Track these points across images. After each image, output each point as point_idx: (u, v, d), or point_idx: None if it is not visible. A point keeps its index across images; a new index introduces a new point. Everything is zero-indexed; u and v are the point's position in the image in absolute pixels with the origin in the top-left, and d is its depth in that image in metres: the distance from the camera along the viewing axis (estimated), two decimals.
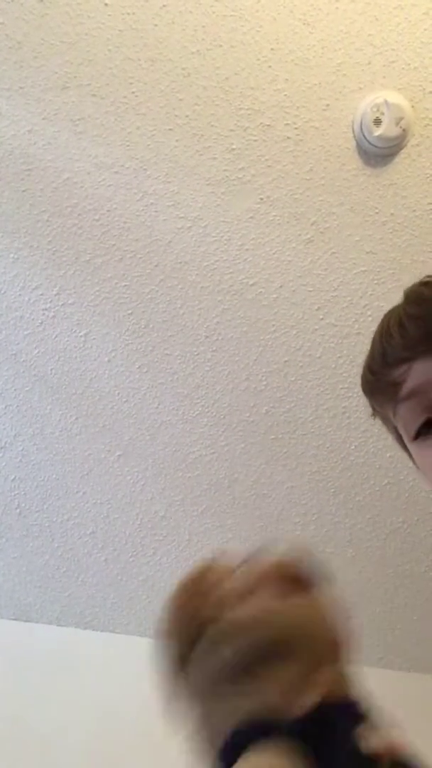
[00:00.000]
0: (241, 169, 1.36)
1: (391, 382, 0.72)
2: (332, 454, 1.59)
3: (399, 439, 0.77)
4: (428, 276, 0.75)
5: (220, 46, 1.28)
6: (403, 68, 1.32)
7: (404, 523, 1.66)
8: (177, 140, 1.33)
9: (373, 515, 1.66)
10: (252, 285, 1.44)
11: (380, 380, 0.74)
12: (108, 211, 1.37)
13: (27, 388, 1.50)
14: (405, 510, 1.65)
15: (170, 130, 1.33)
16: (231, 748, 0.49)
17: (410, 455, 0.76)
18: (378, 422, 0.83)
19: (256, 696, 0.52)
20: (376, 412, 0.80)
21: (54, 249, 1.39)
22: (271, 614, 0.55)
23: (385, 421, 0.79)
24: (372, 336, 0.77)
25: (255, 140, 1.34)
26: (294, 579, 0.57)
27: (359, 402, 1.57)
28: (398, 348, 0.71)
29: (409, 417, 0.71)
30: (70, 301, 1.43)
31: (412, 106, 1.33)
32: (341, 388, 1.54)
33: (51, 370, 1.48)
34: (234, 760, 0.47)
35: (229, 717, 0.51)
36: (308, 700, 0.49)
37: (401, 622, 1.75)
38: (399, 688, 1.76)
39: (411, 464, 0.79)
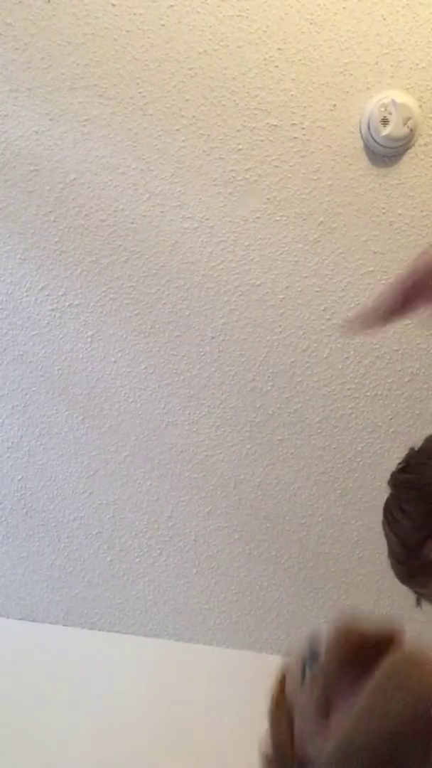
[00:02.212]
0: (247, 170, 1.36)
1: (424, 564, 0.75)
2: (339, 455, 1.59)
3: None
4: (402, 461, 0.80)
5: (227, 46, 1.28)
6: (410, 68, 1.31)
7: None
8: (183, 140, 1.33)
9: (380, 517, 1.65)
10: (258, 285, 1.44)
11: (413, 565, 0.78)
12: (114, 211, 1.37)
13: (33, 389, 1.50)
14: None
15: (177, 130, 1.32)
16: None
17: None
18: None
19: None
20: (422, 596, 0.83)
21: (60, 249, 1.39)
22: (354, 737, 0.52)
23: None
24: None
25: (262, 140, 1.34)
26: (362, 653, 0.56)
27: (366, 403, 1.56)
28: (411, 531, 0.75)
29: None
30: (76, 302, 1.43)
31: (420, 106, 1.33)
32: (348, 389, 1.53)
33: (57, 370, 1.49)
34: None
35: None
36: None
37: (409, 624, 1.75)
38: None
39: None
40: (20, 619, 1.69)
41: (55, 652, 1.67)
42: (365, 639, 0.57)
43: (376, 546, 1.68)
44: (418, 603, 0.85)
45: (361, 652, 0.56)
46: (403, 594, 1.78)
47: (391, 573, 1.81)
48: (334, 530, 1.66)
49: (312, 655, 0.62)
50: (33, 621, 1.69)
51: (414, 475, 0.80)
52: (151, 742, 1.62)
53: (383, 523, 0.83)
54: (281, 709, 0.62)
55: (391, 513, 0.80)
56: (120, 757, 1.60)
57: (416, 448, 0.85)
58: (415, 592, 0.84)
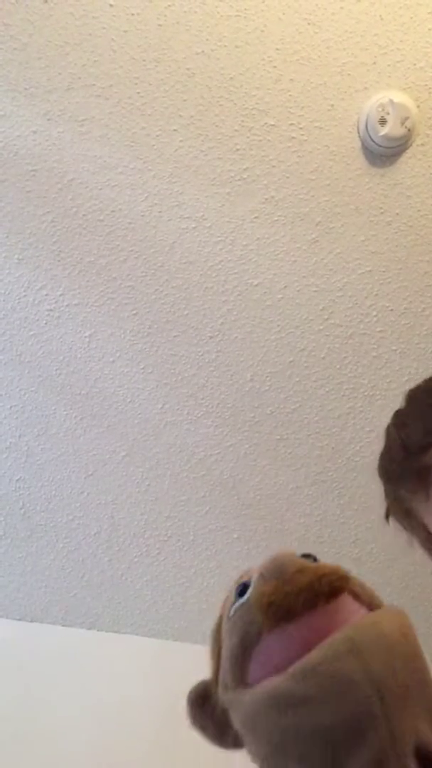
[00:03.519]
0: (245, 170, 1.36)
1: (420, 467, 0.72)
2: (337, 455, 1.59)
3: (423, 534, 0.77)
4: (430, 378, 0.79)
5: (225, 46, 1.28)
6: (408, 68, 1.31)
7: None
8: (181, 140, 1.33)
9: (378, 516, 1.65)
10: (256, 285, 1.44)
11: (407, 468, 0.75)
12: (112, 211, 1.37)
13: (31, 389, 1.50)
14: None
15: (175, 130, 1.32)
16: None
17: None
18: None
19: None
20: (396, 505, 0.80)
21: (58, 249, 1.39)
22: (275, 701, 0.46)
23: (408, 515, 0.79)
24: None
25: (259, 140, 1.34)
26: (293, 597, 0.49)
27: (364, 403, 1.57)
28: (419, 434, 0.73)
29: None
30: (74, 302, 1.43)
31: (418, 106, 1.33)
32: (346, 389, 1.54)
33: (55, 370, 1.49)
34: None
35: None
36: None
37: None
38: None
39: None
40: (19, 619, 1.69)
41: (54, 652, 1.67)
42: (301, 580, 0.50)
43: (374, 545, 1.69)
44: (387, 517, 0.84)
45: (292, 595, 0.49)
46: (403, 594, 1.78)
47: (387, 575, 1.81)
48: (332, 530, 1.66)
49: (241, 588, 0.55)
50: (31, 621, 1.69)
51: None
52: (150, 742, 1.62)
53: (389, 427, 0.81)
54: (216, 641, 0.57)
55: (402, 418, 0.79)
56: (119, 757, 1.60)
57: None
58: (393, 501, 0.82)
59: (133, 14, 1.25)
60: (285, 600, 0.49)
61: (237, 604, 0.53)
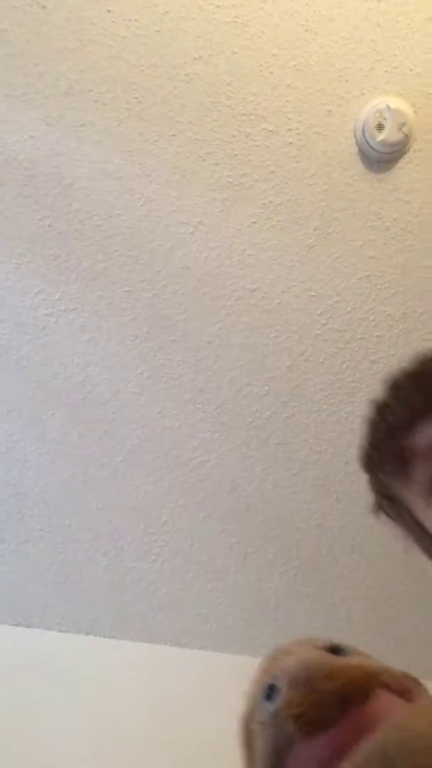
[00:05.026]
0: (243, 175, 1.36)
1: (401, 448, 0.70)
2: (335, 459, 1.59)
3: (411, 522, 0.75)
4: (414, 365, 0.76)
5: (223, 52, 1.28)
6: (405, 74, 1.32)
7: None
8: (179, 146, 1.33)
9: (377, 521, 1.65)
10: (254, 290, 1.44)
11: (387, 450, 0.72)
12: (110, 216, 1.37)
13: (29, 393, 1.49)
14: None
15: (173, 135, 1.33)
16: None
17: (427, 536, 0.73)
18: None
19: None
20: (380, 495, 0.78)
21: (56, 254, 1.39)
22: None
23: (392, 503, 0.76)
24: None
25: (257, 146, 1.34)
26: (326, 702, 0.49)
27: (362, 407, 1.56)
28: (400, 416, 0.71)
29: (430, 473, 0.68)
30: (72, 307, 1.43)
31: (415, 112, 1.34)
32: (344, 393, 1.54)
33: (52, 375, 1.48)
34: None
35: None
36: None
37: (404, 628, 1.75)
38: None
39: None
40: (15, 624, 1.68)
41: (51, 658, 1.67)
42: (331, 687, 0.50)
43: (373, 550, 1.69)
44: (375, 511, 0.81)
45: (322, 705, 0.49)
46: (402, 599, 1.78)
47: (387, 577, 1.81)
48: (330, 534, 1.66)
49: (269, 692, 0.54)
50: (29, 627, 1.68)
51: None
52: (147, 748, 1.62)
53: (368, 415, 0.78)
54: (247, 743, 0.56)
55: (384, 401, 0.75)
56: (116, 763, 1.59)
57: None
58: (377, 490, 0.78)
59: (131, 20, 1.25)
60: (315, 710, 0.49)
61: (268, 710, 0.53)
